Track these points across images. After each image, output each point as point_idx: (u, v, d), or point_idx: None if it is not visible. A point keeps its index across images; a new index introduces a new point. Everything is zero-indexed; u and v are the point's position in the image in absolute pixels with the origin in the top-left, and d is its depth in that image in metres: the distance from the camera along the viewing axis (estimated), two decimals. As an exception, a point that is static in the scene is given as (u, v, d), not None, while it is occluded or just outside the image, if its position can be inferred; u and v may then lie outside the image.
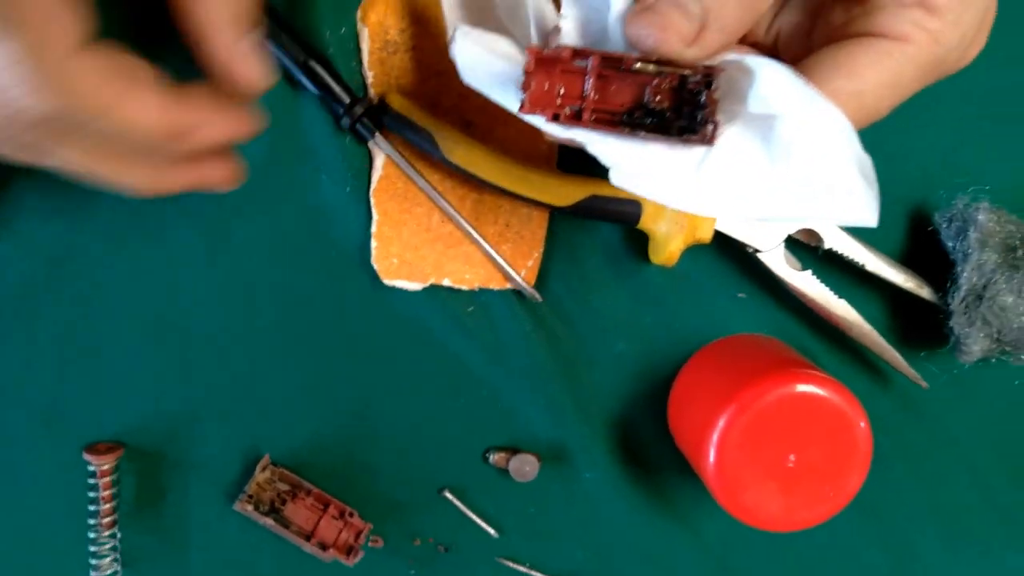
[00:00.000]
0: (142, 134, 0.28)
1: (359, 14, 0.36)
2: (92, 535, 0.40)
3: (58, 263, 0.39)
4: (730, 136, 0.26)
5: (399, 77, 0.37)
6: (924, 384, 0.41)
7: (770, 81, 0.25)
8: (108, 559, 0.40)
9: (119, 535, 0.41)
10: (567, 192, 0.37)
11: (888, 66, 0.26)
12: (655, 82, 0.25)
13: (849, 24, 0.28)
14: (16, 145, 0.27)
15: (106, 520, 0.40)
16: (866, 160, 0.26)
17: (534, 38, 0.27)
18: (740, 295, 0.42)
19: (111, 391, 0.40)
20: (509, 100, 0.27)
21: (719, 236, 0.39)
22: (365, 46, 0.36)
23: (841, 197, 0.25)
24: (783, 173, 0.26)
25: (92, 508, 0.40)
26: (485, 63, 0.27)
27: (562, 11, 0.27)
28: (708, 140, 0.25)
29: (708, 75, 0.25)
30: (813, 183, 0.25)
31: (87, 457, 0.39)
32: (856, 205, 0.25)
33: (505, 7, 0.29)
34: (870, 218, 0.26)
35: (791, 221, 0.25)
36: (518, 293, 0.40)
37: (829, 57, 0.27)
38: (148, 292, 0.40)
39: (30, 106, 0.25)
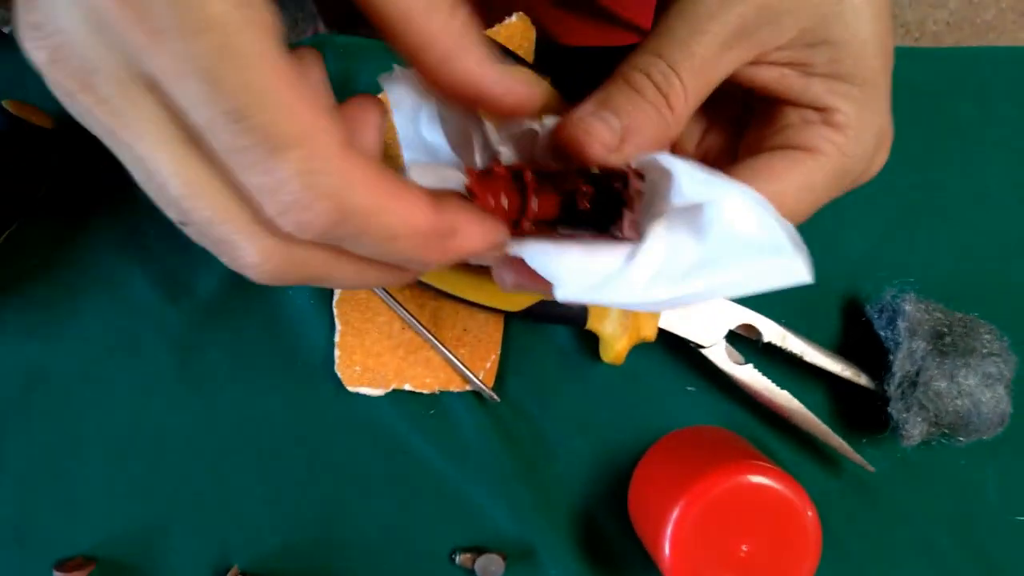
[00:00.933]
0: (406, 243, 0.22)
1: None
2: (61, 654, 0.40)
3: (33, 382, 0.41)
4: (657, 229, 0.27)
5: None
6: (870, 468, 0.43)
7: (687, 175, 0.27)
8: None
9: None
10: (517, 298, 0.39)
11: (802, 171, 0.29)
12: (582, 190, 0.28)
13: (765, 140, 0.31)
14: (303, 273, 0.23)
15: None
16: (789, 227, 0.27)
17: (479, 163, 0.30)
18: (689, 388, 0.44)
19: (81, 507, 0.41)
20: None
21: (664, 334, 0.41)
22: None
23: (772, 261, 0.26)
24: (712, 251, 0.27)
25: (61, 626, 0.40)
26: (444, 185, 0.29)
27: (500, 136, 0.29)
28: (633, 233, 0.27)
29: (625, 176, 0.27)
30: (742, 254, 0.26)
31: (57, 574, 0.40)
32: (788, 266, 0.26)
33: (455, 139, 0.32)
34: (804, 275, 0.26)
35: (729, 293, 0.26)
36: (477, 394, 0.42)
37: (749, 166, 0.30)
38: (118, 409, 0.41)
39: (310, 220, 0.20)
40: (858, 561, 0.45)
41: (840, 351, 0.43)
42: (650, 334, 0.40)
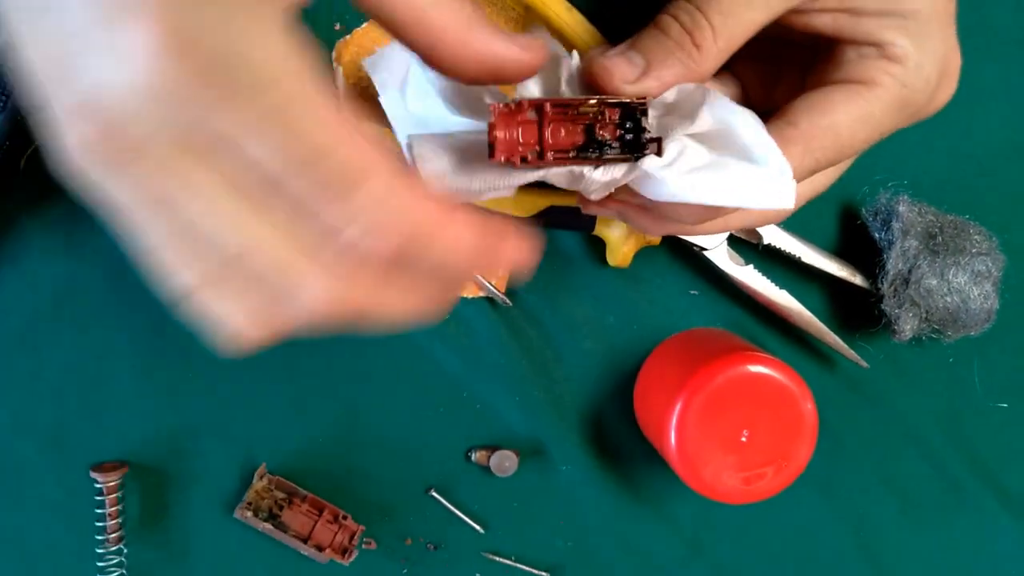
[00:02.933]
0: (464, 254, 0.23)
1: (334, 54, 0.40)
2: (99, 551, 0.42)
3: (61, 296, 0.42)
4: (675, 145, 0.29)
5: (370, 116, 0.41)
6: (864, 364, 0.45)
7: (709, 105, 0.30)
8: (115, 574, 0.43)
9: (125, 550, 0.43)
10: (527, 205, 0.41)
11: (859, 104, 0.30)
12: (602, 117, 0.29)
13: (826, 77, 0.32)
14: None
15: (113, 536, 0.42)
16: (785, 163, 0.29)
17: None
18: (693, 292, 0.46)
19: (113, 413, 0.43)
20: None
21: (668, 238, 0.43)
22: (340, 85, 0.40)
23: (766, 184, 0.29)
24: (718, 162, 0.29)
25: (99, 524, 0.42)
26: (447, 148, 0.29)
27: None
28: (657, 153, 0.29)
29: (643, 104, 0.28)
30: (742, 173, 0.29)
31: (94, 475, 0.42)
32: (779, 191, 0.29)
33: (464, 102, 0.31)
34: (789, 202, 0.29)
35: (722, 202, 0.29)
36: (490, 300, 0.44)
37: (805, 101, 0.31)
38: (145, 318, 0.43)
39: (386, 243, 0.21)
40: (851, 452, 0.47)
41: (836, 253, 0.45)
42: (655, 238, 0.42)
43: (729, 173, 0.29)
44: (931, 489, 0.48)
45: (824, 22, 0.31)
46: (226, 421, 0.44)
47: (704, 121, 0.30)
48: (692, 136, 0.30)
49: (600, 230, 0.42)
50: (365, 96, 0.41)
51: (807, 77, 0.33)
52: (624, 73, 0.30)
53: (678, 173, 0.29)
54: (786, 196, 0.29)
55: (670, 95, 0.31)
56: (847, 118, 0.30)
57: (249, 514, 0.43)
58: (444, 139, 0.29)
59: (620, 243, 0.41)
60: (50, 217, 0.42)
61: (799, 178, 0.30)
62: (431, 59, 0.25)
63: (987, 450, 0.48)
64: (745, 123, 0.30)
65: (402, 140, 0.32)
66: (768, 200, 0.29)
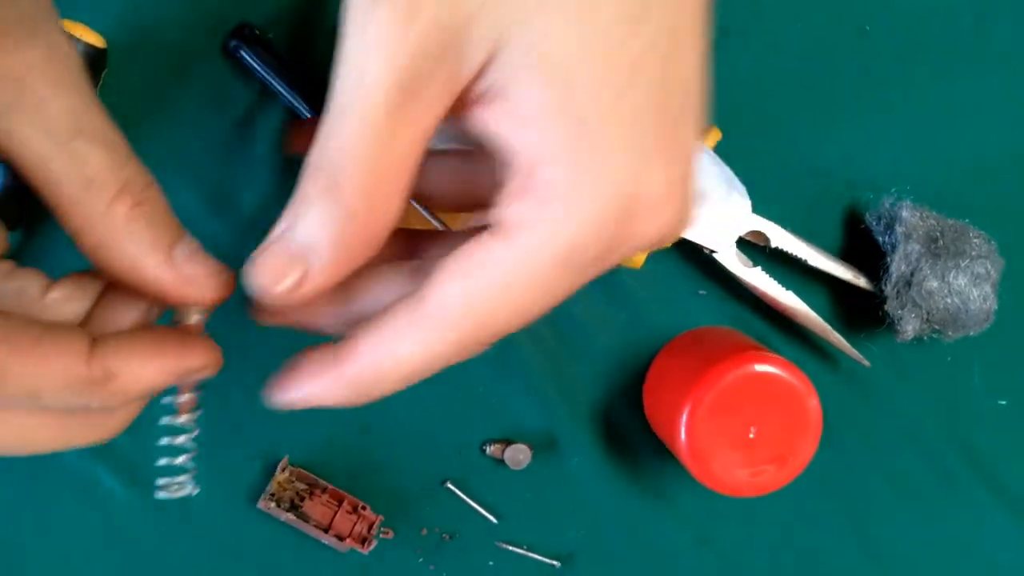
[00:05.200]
0: (54, 393, 0.22)
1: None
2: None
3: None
4: None
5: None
6: (866, 363, 0.47)
7: None
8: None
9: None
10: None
11: (503, 267, 0.22)
12: None
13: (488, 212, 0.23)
14: None
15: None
16: (727, 171, 0.38)
17: None
18: (701, 292, 0.47)
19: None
20: None
21: (679, 240, 0.44)
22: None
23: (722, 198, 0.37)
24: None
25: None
26: None
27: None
28: None
29: None
30: (701, 191, 0.36)
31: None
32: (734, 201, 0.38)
33: None
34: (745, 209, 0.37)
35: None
36: (505, 299, 0.45)
37: (445, 263, 0.23)
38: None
39: None
40: (852, 447, 0.49)
41: (841, 256, 0.46)
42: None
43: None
44: (929, 484, 0.50)
45: (477, 123, 0.22)
46: (249, 416, 0.45)
47: None
48: None
49: (614, 233, 0.43)
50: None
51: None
52: (281, 285, 0.23)
53: None
54: (747, 205, 0.38)
55: None
56: (489, 290, 0.22)
57: (272, 505, 0.44)
58: None
59: (633, 245, 0.43)
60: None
61: (429, 368, 0.24)
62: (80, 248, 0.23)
63: (985, 446, 0.50)
64: (710, 157, 0.37)
65: None
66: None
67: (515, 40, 0.20)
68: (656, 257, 0.45)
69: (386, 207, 0.22)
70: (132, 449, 0.44)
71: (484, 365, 0.46)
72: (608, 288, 0.47)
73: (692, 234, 0.44)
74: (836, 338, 0.46)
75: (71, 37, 0.24)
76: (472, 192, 0.27)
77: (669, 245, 0.43)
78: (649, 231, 0.22)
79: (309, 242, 0.22)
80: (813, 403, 0.42)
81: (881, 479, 0.49)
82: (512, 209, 0.21)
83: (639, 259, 0.43)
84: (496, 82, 0.21)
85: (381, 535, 0.47)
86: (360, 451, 0.46)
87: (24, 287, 0.24)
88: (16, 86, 0.21)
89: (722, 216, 0.42)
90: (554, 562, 0.48)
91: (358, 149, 0.21)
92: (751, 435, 0.42)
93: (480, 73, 0.21)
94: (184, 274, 0.24)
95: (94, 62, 0.41)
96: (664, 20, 0.21)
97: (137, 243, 0.23)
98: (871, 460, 0.49)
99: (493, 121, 0.21)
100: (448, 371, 0.46)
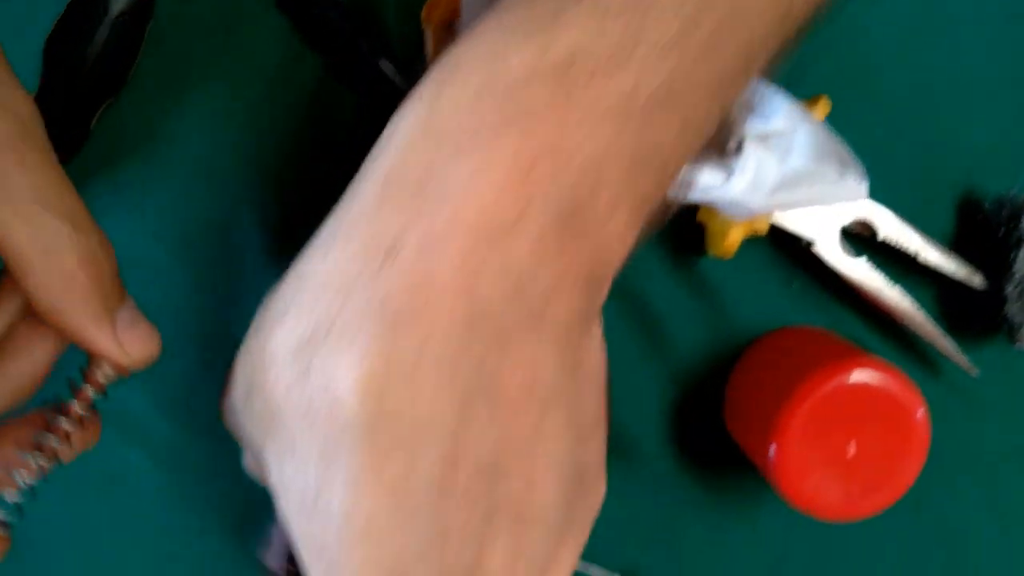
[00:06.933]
0: None
1: (423, 14, 0.36)
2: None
3: (125, 264, 0.40)
4: (751, 160, 0.34)
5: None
6: (975, 372, 0.42)
7: (775, 109, 0.34)
8: None
9: None
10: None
11: None
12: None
13: None
14: None
15: None
16: (843, 148, 0.35)
17: None
18: (794, 286, 0.42)
19: (181, 399, 0.41)
20: None
21: (773, 229, 0.39)
22: (429, 46, 0.36)
23: (838, 180, 0.34)
24: (792, 170, 0.34)
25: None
26: None
27: None
28: (736, 150, 0.33)
29: None
30: (815, 174, 0.34)
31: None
32: (850, 184, 0.35)
33: None
34: (863, 193, 0.35)
35: (804, 205, 0.35)
36: (573, 288, 0.41)
37: None
38: (214, 296, 0.40)
39: None
40: (952, 470, 0.44)
41: (954, 249, 0.41)
42: (763, 227, 0.38)
43: (806, 184, 0.34)
44: (1037, 510, 0.45)
45: None
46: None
47: (778, 123, 0.34)
48: (761, 137, 0.34)
49: (703, 216, 0.38)
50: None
51: None
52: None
53: (762, 195, 0.34)
54: (860, 188, 0.35)
55: None
56: None
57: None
58: None
59: (725, 231, 0.38)
60: (120, 180, 0.40)
61: None
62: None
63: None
64: (822, 132, 0.34)
65: None
66: (845, 194, 0.35)
67: None
68: (745, 247, 0.40)
69: None
70: (169, 434, 0.41)
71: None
72: (689, 279, 0.42)
73: (790, 221, 0.39)
74: (943, 342, 0.41)
75: (31, 95, 0.25)
76: None
77: (763, 234, 0.38)
78: None
79: None
80: (921, 417, 0.37)
81: (985, 506, 0.44)
82: None
83: (732, 247, 0.38)
84: None
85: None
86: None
87: None
88: None
89: (832, 200, 0.37)
90: (615, 575, 0.44)
91: None
92: (850, 452, 0.37)
93: None
94: (122, 341, 0.25)
95: (139, 12, 0.37)
96: None
97: (85, 313, 0.24)
98: (974, 483, 0.44)
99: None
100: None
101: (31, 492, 0.26)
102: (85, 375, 0.27)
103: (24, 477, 0.26)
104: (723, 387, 0.42)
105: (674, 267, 0.42)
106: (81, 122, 0.38)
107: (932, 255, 0.40)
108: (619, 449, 0.43)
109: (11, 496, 0.26)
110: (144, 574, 0.41)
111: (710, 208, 0.38)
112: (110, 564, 0.41)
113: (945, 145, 0.41)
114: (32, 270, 0.23)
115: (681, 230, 0.41)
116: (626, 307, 0.42)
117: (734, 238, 0.38)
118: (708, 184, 0.34)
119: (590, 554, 0.44)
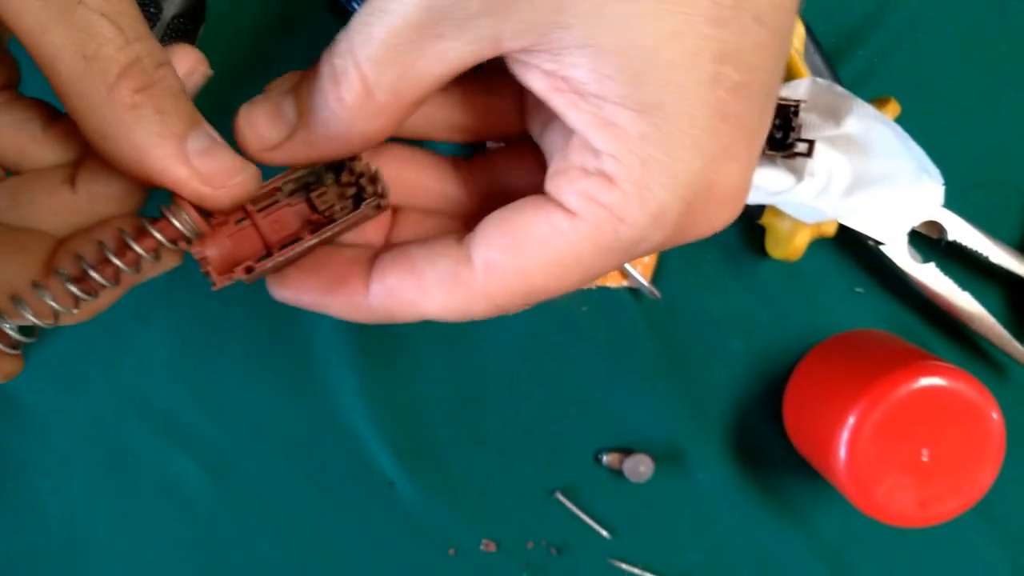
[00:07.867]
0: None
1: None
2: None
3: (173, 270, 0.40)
4: (819, 157, 0.33)
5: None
6: (1047, 378, 0.41)
7: (856, 109, 0.34)
8: None
9: None
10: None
11: (557, 245, 0.21)
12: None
13: (538, 173, 0.23)
14: None
15: None
16: (918, 150, 0.34)
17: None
18: (858, 289, 0.41)
19: (225, 395, 0.41)
20: None
21: (840, 229, 0.38)
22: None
23: (914, 184, 0.34)
24: (864, 173, 0.34)
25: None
26: None
27: None
28: (808, 154, 0.32)
29: (795, 104, 0.32)
30: (889, 177, 0.34)
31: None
32: (927, 187, 0.35)
33: None
34: (939, 196, 0.35)
35: (877, 208, 0.35)
36: (632, 291, 0.40)
37: (497, 227, 0.22)
38: (260, 300, 0.40)
39: None
40: (1020, 475, 0.43)
41: (1022, 251, 0.40)
42: (830, 229, 0.37)
43: (881, 187, 0.34)
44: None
45: (540, 87, 0.21)
46: (346, 416, 0.41)
47: (850, 125, 0.33)
48: (831, 139, 0.33)
49: (767, 218, 0.37)
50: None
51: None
52: (263, 136, 0.23)
53: (834, 198, 0.34)
54: (940, 191, 0.35)
55: (800, 90, 0.33)
56: (541, 262, 0.22)
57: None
58: None
59: (793, 234, 0.37)
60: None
61: (455, 319, 0.23)
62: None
63: None
64: (897, 133, 0.33)
65: None
66: (920, 196, 0.36)
67: (594, 24, 0.19)
68: (809, 249, 0.39)
69: (381, 106, 0.21)
70: (216, 439, 0.40)
71: (603, 364, 0.41)
72: (750, 282, 0.41)
73: (860, 224, 0.38)
74: (1015, 347, 0.40)
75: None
76: (488, 126, 0.26)
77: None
78: (715, 224, 0.22)
79: (312, 93, 0.22)
80: (996, 420, 0.36)
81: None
82: (578, 187, 0.21)
83: (798, 250, 0.37)
84: (552, 59, 0.20)
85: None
86: (463, 456, 0.42)
87: (24, 121, 0.23)
88: None
89: (905, 203, 0.36)
90: (672, 585, 0.43)
91: (375, 49, 0.21)
92: (924, 458, 0.36)
93: (543, 47, 0.20)
94: (198, 170, 0.21)
95: (192, 15, 0.37)
96: (757, 7, 0.20)
97: (143, 132, 0.20)
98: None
99: (564, 102, 0.21)
100: (560, 371, 0.41)
101: (54, 316, 0.22)
102: (159, 217, 0.22)
103: (50, 301, 0.22)
104: (783, 392, 0.41)
105: (733, 272, 0.41)
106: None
107: (1003, 258, 0.39)
108: (676, 459, 0.42)
109: (27, 318, 0.22)
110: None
111: (776, 211, 0.37)
112: (163, 571, 0.41)
113: (1013, 148, 0.40)
114: (73, 83, 0.19)
115: (739, 233, 0.40)
116: (684, 313, 0.41)
117: (801, 241, 0.37)
118: (776, 187, 0.34)
119: (644, 563, 0.43)
